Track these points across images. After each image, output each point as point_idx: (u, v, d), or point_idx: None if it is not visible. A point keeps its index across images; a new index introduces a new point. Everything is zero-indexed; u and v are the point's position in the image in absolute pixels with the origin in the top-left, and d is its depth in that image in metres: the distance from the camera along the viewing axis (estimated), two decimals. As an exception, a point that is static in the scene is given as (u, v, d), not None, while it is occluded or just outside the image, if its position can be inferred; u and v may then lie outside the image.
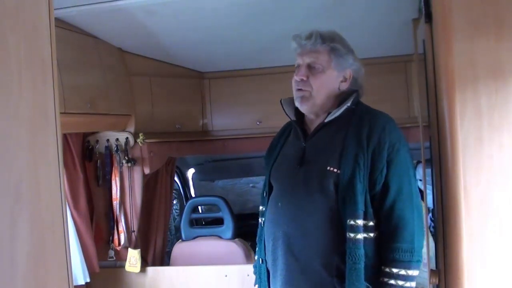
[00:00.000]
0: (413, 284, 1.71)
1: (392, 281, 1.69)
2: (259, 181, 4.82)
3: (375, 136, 1.73)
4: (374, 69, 3.03)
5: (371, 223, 1.72)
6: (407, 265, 1.69)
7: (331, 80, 1.82)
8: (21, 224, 1.01)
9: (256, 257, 2.04)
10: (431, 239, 2.03)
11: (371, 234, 1.72)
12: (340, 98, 1.85)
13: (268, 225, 1.89)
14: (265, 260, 1.91)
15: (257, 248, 2.02)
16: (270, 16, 2.38)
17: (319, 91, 1.81)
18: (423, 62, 1.81)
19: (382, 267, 1.71)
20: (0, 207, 0.96)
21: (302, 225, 1.77)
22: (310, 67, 1.82)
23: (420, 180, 3.97)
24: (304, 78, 1.81)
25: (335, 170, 1.73)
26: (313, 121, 1.90)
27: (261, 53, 2.89)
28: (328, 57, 1.81)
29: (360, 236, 1.68)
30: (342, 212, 1.71)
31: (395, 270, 1.69)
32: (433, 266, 1.84)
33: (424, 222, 1.86)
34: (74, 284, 1.94)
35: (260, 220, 1.99)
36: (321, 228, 1.74)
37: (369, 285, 1.71)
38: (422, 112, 2.08)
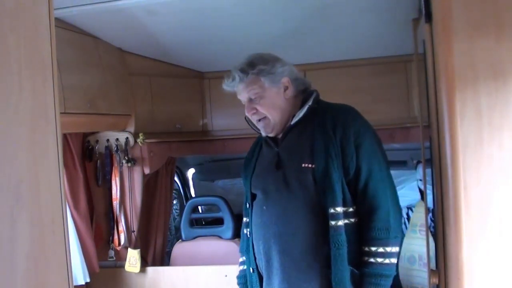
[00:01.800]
0: (393, 260, 1.78)
1: (372, 259, 1.77)
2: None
3: (339, 125, 1.84)
4: (374, 69, 3.05)
5: (350, 209, 1.82)
6: (385, 242, 1.77)
7: (274, 98, 1.92)
8: (21, 224, 1.01)
9: (242, 268, 2.09)
10: (431, 239, 2.02)
11: (352, 220, 1.82)
12: (297, 101, 1.96)
13: (256, 230, 1.96)
14: (255, 268, 1.97)
15: (244, 259, 2.07)
16: (270, 16, 2.38)
17: (271, 113, 1.92)
18: (423, 62, 1.81)
19: (362, 247, 1.80)
20: (0, 207, 0.96)
21: (290, 222, 1.85)
22: (251, 99, 1.93)
23: (420, 180, 3.97)
24: (254, 111, 1.93)
25: (310, 165, 1.83)
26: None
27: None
28: (259, 81, 1.90)
29: (341, 222, 1.78)
30: (323, 203, 1.80)
31: (373, 249, 1.77)
32: (433, 266, 1.83)
33: (425, 222, 1.87)
34: (74, 284, 1.94)
35: (245, 231, 2.07)
36: (308, 222, 1.83)
37: (353, 269, 1.78)
38: (422, 112, 2.08)
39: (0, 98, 0.98)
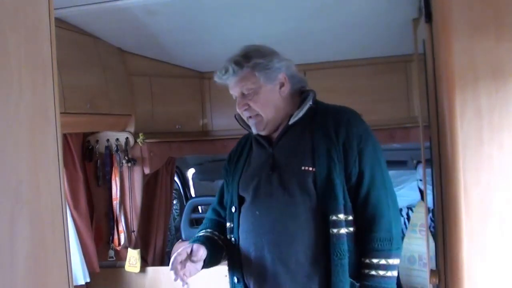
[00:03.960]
0: (394, 273, 1.68)
1: (373, 272, 1.66)
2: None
3: (343, 128, 1.73)
4: (374, 69, 3.05)
5: (350, 217, 1.70)
6: (387, 254, 1.66)
7: (269, 95, 1.79)
8: (21, 224, 1.01)
9: (228, 276, 1.90)
10: (431, 239, 2.03)
11: (351, 229, 1.70)
12: (295, 100, 1.84)
13: (245, 237, 1.79)
14: (241, 279, 1.82)
15: (228, 268, 1.90)
16: (270, 16, 2.38)
17: (265, 110, 1.79)
18: (423, 62, 1.81)
19: (362, 258, 1.68)
20: (0, 207, 0.96)
21: (287, 229, 1.71)
22: (244, 94, 1.80)
23: (420, 180, 3.97)
24: (246, 107, 1.80)
25: (310, 168, 1.71)
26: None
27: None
28: (254, 76, 1.77)
29: (343, 230, 1.67)
30: (324, 209, 1.68)
31: (375, 261, 1.66)
32: (433, 266, 1.83)
33: (425, 222, 1.86)
34: (74, 284, 1.94)
35: (229, 237, 1.86)
36: (306, 230, 1.70)
37: (353, 281, 1.67)
38: (422, 112, 2.08)
39: (0, 98, 0.98)
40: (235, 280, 1.83)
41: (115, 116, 2.75)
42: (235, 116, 1.93)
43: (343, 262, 1.65)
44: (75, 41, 2.46)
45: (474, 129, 1.47)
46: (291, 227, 1.71)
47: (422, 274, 3.02)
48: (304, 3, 2.24)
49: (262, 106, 1.79)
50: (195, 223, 3.13)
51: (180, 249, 1.74)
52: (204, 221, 2.00)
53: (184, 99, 3.25)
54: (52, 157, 1.12)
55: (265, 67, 1.77)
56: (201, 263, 1.76)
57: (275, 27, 2.48)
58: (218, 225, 1.93)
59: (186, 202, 3.63)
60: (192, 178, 4.66)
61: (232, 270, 1.86)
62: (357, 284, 1.67)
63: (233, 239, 1.84)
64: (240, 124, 1.92)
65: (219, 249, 1.86)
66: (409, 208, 4.12)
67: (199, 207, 4.02)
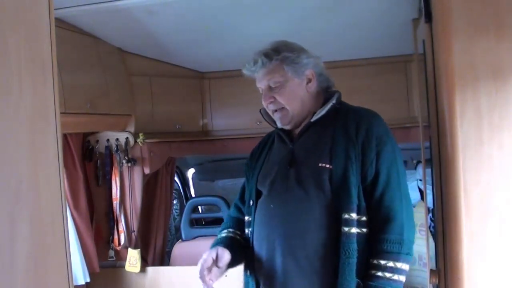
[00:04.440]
0: (402, 278, 1.66)
1: (379, 273, 1.65)
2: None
3: (363, 129, 1.74)
4: (374, 69, 3.05)
5: (364, 218, 1.70)
6: (396, 257, 1.65)
7: (296, 88, 1.81)
8: (21, 224, 1.01)
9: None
10: (431, 239, 2.03)
11: (364, 230, 1.70)
12: (319, 98, 1.86)
13: (259, 230, 1.83)
14: (253, 272, 1.85)
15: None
16: (269, 16, 2.38)
17: (291, 104, 1.81)
18: (423, 62, 1.81)
19: (370, 259, 1.67)
20: (0, 207, 0.96)
21: (299, 223, 1.74)
22: (271, 87, 1.81)
23: (420, 180, 3.97)
24: (272, 100, 1.81)
25: (327, 165, 1.72)
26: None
27: (261, 53, 2.89)
28: (282, 69, 1.79)
29: (354, 230, 1.67)
30: (337, 207, 1.69)
31: (382, 262, 1.65)
32: (433, 266, 1.83)
33: (425, 222, 1.86)
34: (74, 284, 1.94)
35: (246, 230, 1.91)
36: (318, 226, 1.71)
37: (360, 281, 1.67)
38: (422, 112, 2.08)
39: (0, 98, 0.98)
40: (248, 273, 1.88)
41: (115, 116, 2.75)
42: (260, 111, 1.94)
43: (350, 261, 1.64)
44: (75, 41, 2.46)
45: (474, 129, 1.47)
46: (303, 222, 1.72)
47: (422, 274, 3.02)
48: (304, 3, 2.24)
49: (288, 100, 1.80)
50: (195, 223, 3.13)
51: (205, 255, 1.77)
52: (225, 219, 2.05)
53: (184, 99, 3.25)
54: (52, 157, 1.12)
55: (293, 61, 1.79)
56: (226, 267, 1.80)
57: (275, 27, 2.48)
58: (239, 222, 1.97)
59: (186, 202, 3.63)
60: (192, 178, 4.66)
61: (246, 264, 1.89)
62: (363, 285, 1.66)
63: (249, 232, 1.87)
64: (265, 119, 1.94)
65: (242, 249, 1.88)
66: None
67: (199, 207, 4.02)
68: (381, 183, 1.70)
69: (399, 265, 1.65)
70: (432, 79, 1.62)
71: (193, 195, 4.61)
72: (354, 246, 1.65)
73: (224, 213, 2.99)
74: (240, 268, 2.75)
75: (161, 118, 3.05)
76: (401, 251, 1.65)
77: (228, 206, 3.00)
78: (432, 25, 1.63)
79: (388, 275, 1.64)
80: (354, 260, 1.65)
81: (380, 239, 1.67)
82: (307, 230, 1.72)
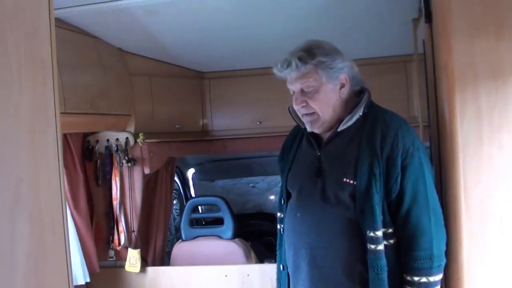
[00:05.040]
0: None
1: None
2: (259, 181, 4.82)
3: (388, 142, 1.69)
4: (374, 69, 3.05)
5: (390, 230, 1.69)
6: (428, 272, 1.63)
7: (329, 94, 1.77)
8: (21, 224, 1.01)
9: (276, 264, 1.99)
10: (431, 239, 2.03)
11: (391, 241, 1.69)
12: (349, 104, 1.81)
13: (288, 235, 1.86)
14: (286, 267, 1.89)
15: (277, 255, 1.98)
16: (270, 16, 2.38)
17: (323, 109, 1.77)
18: (423, 62, 1.81)
19: (404, 275, 1.67)
20: (0, 207, 0.96)
21: (324, 235, 1.74)
22: (303, 91, 1.77)
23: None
24: (304, 104, 1.77)
25: (351, 181, 1.70)
26: None
27: (261, 53, 2.89)
28: (317, 74, 1.74)
29: (381, 247, 1.65)
30: (361, 223, 1.68)
31: (416, 278, 1.64)
32: (433, 266, 1.83)
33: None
34: (74, 284, 1.94)
35: (278, 226, 1.96)
36: (343, 238, 1.71)
37: None
38: (422, 112, 2.09)
39: (0, 98, 0.98)
40: (281, 267, 1.91)
41: (115, 116, 2.75)
42: (288, 109, 1.89)
43: (381, 277, 1.64)
44: (75, 41, 2.46)
45: (474, 129, 1.47)
46: (327, 234, 1.73)
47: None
48: (304, 3, 2.24)
49: (321, 105, 1.76)
50: (195, 223, 3.13)
51: None
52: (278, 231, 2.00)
53: (184, 99, 3.25)
54: (52, 157, 1.12)
55: (328, 66, 1.74)
56: None
57: (275, 27, 2.48)
58: None
59: (186, 202, 3.63)
60: (192, 178, 4.66)
61: (279, 257, 1.93)
62: None
63: (282, 228, 1.91)
64: (293, 118, 1.90)
65: None
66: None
67: (199, 207, 4.02)
68: (407, 200, 1.66)
69: (431, 279, 1.63)
70: (432, 79, 1.63)
71: (193, 195, 4.61)
72: (383, 262, 1.64)
73: (224, 213, 2.98)
74: (239, 268, 2.76)
75: (161, 118, 3.05)
76: (432, 266, 1.63)
77: (228, 206, 2.99)
78: (432, 25, 1.63)
79: None
80: (385, 275, 1.64)
81: (411, 256, 1.65)
82: (331, 242, 1.73)
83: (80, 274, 2.69)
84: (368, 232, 1.65)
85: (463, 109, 1.48)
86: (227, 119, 3.34)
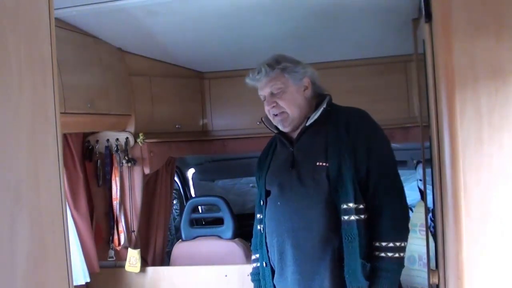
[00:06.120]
0: (402, 254, 1.90)
1: (383, 254, 1.89)
2: (259, 181, 4.82)
3: (353, 127, 1.97)
4: (374, 69, 3.05)
5: (361, 206, 1.92)
6: (394, 238, 1.89)
7: (295, 94, 2.03)
8: (21, 224, 1.01)
9: (255, 265, 2.18)
10: (431, 239, 2.03)
11: (362, 216, 1.91)
12: (312, 103, 2.08)
13: (269, 224, 2.06)
14: (268, 262, 2.07)
15: (257, 257, 2.17)
16: (270, 17, 2.38)
17: (290, 108, 2.02)
18: (423, 62, 1.81)
19: (373, 242, 1.91)
20: (0, 207, 0.96)
21: (303, 218, 1.96)
22: (272, 94, 2.03)
23: (420, 180, 3.97)
24: (274, 105, 2.03)
25: (324, 164, 1.95)
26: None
27: (261, 53, 2.89)
28: (283, 77, 2.02)
29: (353, 217, 1.89)
30: (336, 200, 1.92)
31: (384, 244, 1.89)
32: (433, 266, 1.84)
33: (425, 222, 1.92)
34: (74, 284, 1.94)
35: (258, 227, 2.16)
36: (321, 218, 1.93)
37: (364, 261, 1.88)
38: (422, 112, 2.09)
39: (0, 98, 0.98)
40: (264, 264, 2.09)
41: (115, 116, 2.75)
42: (261, 119, 2.17)
43: (353, 244, 1.87)
44: (75, 41, 2.46)
45: (474, 129, 1.47)
46: (307, 216, 1.95)
47: (422, 274, 3.01)
48: (304, 3, 2.24)
49: (289, 104, 2.02)
50: (195, 223, 3.13)
51: None
52: (254, 232, 2.22)
53: (184, 99, 3.25)
54: (52, 157, 1.12)
55: (293, 70, 2.03)
56: None
57: (275, 27, 2.48)
58: None
59: (186, 202, 3.63)
60: (192, 178, 4.66)
61: (261, 256, 2.12)
62: (368, 264, 1.88)
63: (261, 228, 2.12)
64: (266, 126, 2.17)
65: None
66: (409, 208, 4.11)
67: (199, 207, 4.02)
68: (373, 178, 1.94)
69: (398, 244, 1.89)
70: (432, 79, 1.62)
71: (193, 195, 4.60)
72: (355, 231, 1.88)
73: (224, 213, 2.98)
74: (239, 268, 2.76)
75: (161, 118, 3.05)
76: (397, 232, 1.91)
77: (228, 206, 3.00)
78: (432, 25, 1.63)
79: (390, 254, 1.88)
80: (356, 244, 1.87)
81: (379, 224, 1.91)
82: (311, 223, 1.94)
83: (80, 274, 2.69)
84: (342, 205, 1.90)
85: (463, 109, 1.48)
86: (227, 119, 3.34)
